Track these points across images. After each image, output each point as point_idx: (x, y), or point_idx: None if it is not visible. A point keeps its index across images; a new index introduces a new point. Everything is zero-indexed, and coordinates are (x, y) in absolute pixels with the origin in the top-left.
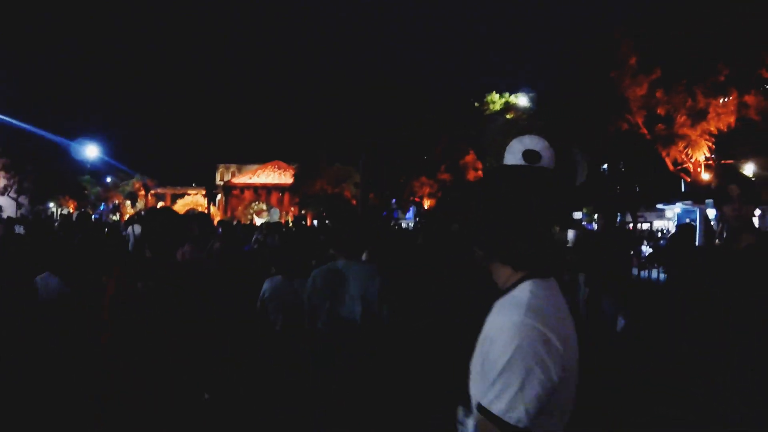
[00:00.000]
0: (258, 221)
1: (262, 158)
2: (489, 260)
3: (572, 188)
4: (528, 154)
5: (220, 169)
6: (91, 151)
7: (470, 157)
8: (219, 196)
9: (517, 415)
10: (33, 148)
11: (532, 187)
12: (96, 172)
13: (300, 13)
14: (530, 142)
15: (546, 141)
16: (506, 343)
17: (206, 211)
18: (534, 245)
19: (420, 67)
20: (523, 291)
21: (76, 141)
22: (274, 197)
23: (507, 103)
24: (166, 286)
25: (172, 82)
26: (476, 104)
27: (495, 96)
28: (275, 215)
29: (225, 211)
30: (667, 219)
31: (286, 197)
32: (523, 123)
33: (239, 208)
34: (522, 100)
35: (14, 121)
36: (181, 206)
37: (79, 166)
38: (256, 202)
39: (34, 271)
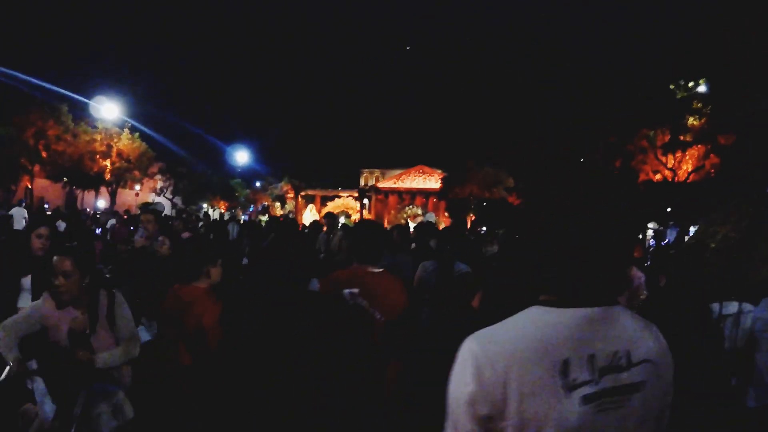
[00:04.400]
0: (412, 226)
1: (406, 163)
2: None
3: None
4: None
5: (365, 174)
6: (241, 157)
7: (652, 161)
8: (367, 200)
9: None
10: (187, 153)
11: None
12: (245, 175)
13: (448, 17)
14: None
15: None
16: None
17: (359, 214)
18: (551, 268)
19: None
20: (513, 316)
21: (229, 146)
22: (419, 202)
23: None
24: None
25: (316, 90)
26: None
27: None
28: (431, 219)
29: (375, 215)
30: None
31: (431, 202)
32: None
33: (392, 212)
34: (702, 88)
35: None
36: (331, 208)
37: (230, 170)
38: (411, 206)
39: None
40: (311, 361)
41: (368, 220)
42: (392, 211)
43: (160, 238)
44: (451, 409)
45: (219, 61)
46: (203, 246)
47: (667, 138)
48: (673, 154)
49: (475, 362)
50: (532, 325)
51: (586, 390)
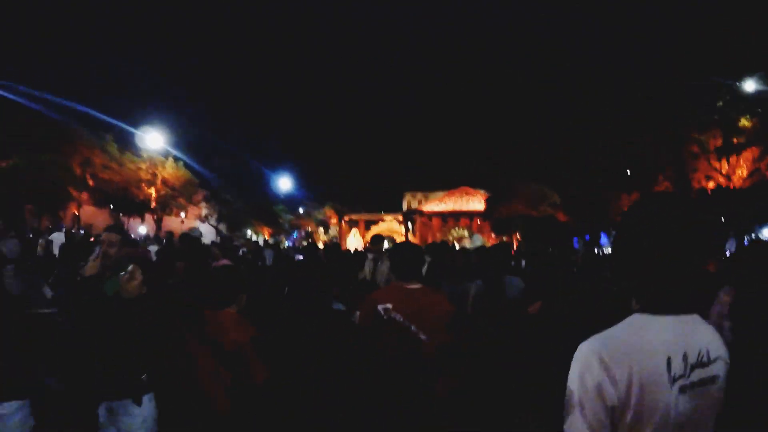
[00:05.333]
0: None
1: (448, 185)
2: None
3: None
4: None
5: (407, 197)
6: (284, 183)
7: (703, 166)
8: (410, 223)
9: None
10: (231, 181)
11: (671, 224)
12: (289, 201)
13: (486, 32)
14: None
15: None
16: (572, 364)
17: (405, 238)
18: (649, 280)
19: (619, 62)
20: (621, 323)
21: (272, 172)
22: (463, 223)
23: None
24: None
25: (359, 116)
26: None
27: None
28: (478, 241)
29: (419, 238)
30: None
31: (475, 223)
32: None
33: (437, 234)
34: (749, 85)
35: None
36: (375, 233)
37: (274, 196)
38: (456, 228)
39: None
40: (315, 364)
41: (405, 242)
42: (437, 234)
43: (130, 268)
44: (577, 401)
45: (262, 89)
46: (239, 274)
47: (719, 142)
48: (727, 158)
49: (601, 361)
50: (641, 330)
51: (682, 382)
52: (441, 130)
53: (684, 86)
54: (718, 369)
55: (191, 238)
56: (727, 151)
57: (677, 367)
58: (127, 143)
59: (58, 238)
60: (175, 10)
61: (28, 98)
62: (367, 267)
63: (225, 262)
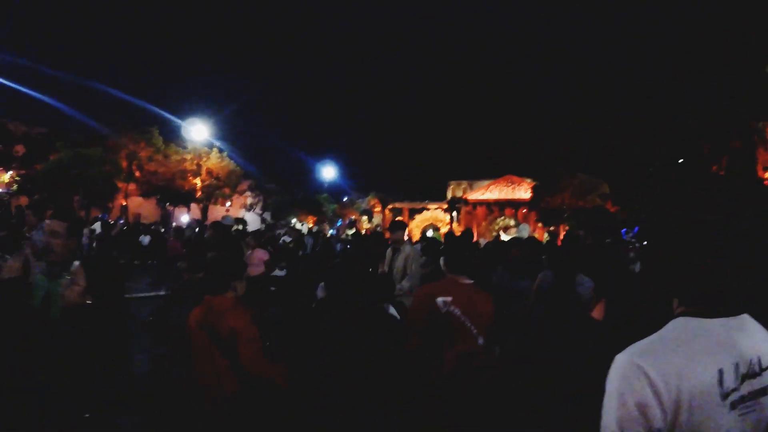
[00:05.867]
0: (505, 238)
1: (493, 173)
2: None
3: None
4: None
5: (452, 186)
6: (328, 172)
7: (762, 157)
8: (455, 212)
9: None
10: (275, 170)
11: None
12: (333, 190)
13: (532, 24)
14: None
15: None
16: (608, 381)
17: (449, 227)
18: (696, 281)
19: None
20: (663, 329)
21: (316, 161)
22: (508, 213)
23: None
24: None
25: (402, 104)
26: None
27: None
28: (525, 231)
29: (464, 228)
30: None
31: (520, 212)
32: None
33: (482, 224)
34: None
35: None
36: (420, 221)
37: (318, 185)
38: (502, 218)
39: None
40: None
41: (462, 234)
42: (483, 223)
43: (74, 269)
44: (616, 424)
45: (306, 80)
46: (234, 261)
47: None
48: None
49: (645, 376)
50: (688, 337)
51: (733, 397)
52: (485, 118)
53: (740, 75)
54: None
55: (222, 226)
56: None
57: (729, 379)
58: (171, 135)
59: (100, 227)
60: (219, 6)
61: (73, 92)
62: (387, 258)
63: (260, 252)
